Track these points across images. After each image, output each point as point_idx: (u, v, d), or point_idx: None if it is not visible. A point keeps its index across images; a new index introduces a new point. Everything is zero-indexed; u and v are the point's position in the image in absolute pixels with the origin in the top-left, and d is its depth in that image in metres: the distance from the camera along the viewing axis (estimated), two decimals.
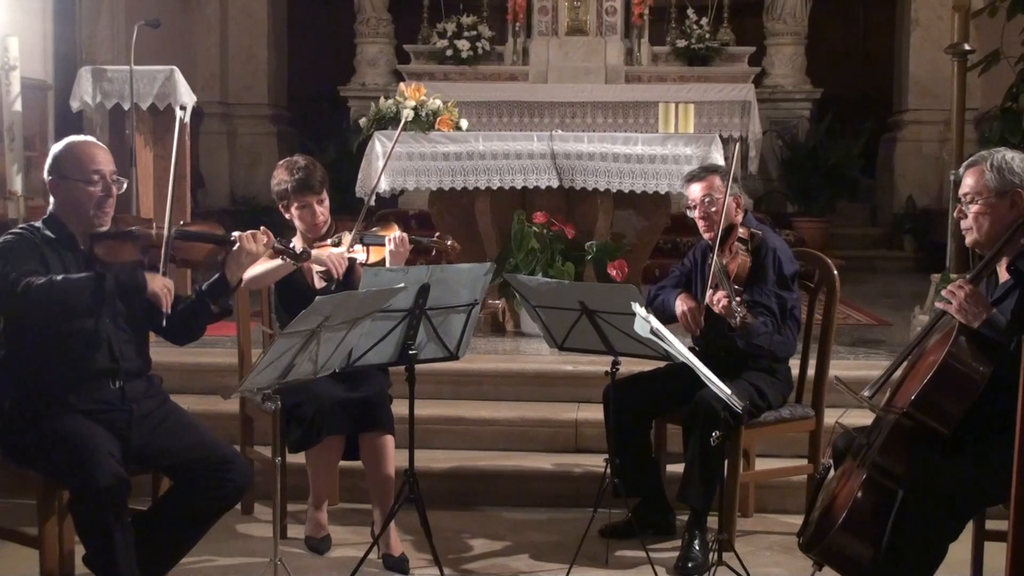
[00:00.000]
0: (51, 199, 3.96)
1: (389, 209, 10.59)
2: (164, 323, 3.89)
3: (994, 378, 3.58)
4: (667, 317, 4.77)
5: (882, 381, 3.89)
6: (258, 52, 13.38)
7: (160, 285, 3.84)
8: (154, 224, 4.01)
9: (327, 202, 4.90)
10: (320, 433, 4.53)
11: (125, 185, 4.03)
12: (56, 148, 3.98)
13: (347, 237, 4.82)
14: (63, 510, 3.91)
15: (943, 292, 3.74)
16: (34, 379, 3.84)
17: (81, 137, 4.06)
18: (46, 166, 3.95)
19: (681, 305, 4.77)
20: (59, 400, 3.81)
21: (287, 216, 4.92)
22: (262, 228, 4.10)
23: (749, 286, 4.66)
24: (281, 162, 4.95)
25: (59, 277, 3.67)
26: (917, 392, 3.61)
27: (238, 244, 4.00)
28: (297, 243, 4.82)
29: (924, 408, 3.61)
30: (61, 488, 3.85)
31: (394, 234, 4.81)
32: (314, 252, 4.58)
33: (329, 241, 4.83)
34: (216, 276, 4.05)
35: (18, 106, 6.71)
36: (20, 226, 3.99)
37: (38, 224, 3.93)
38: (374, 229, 4.91)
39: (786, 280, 4.74)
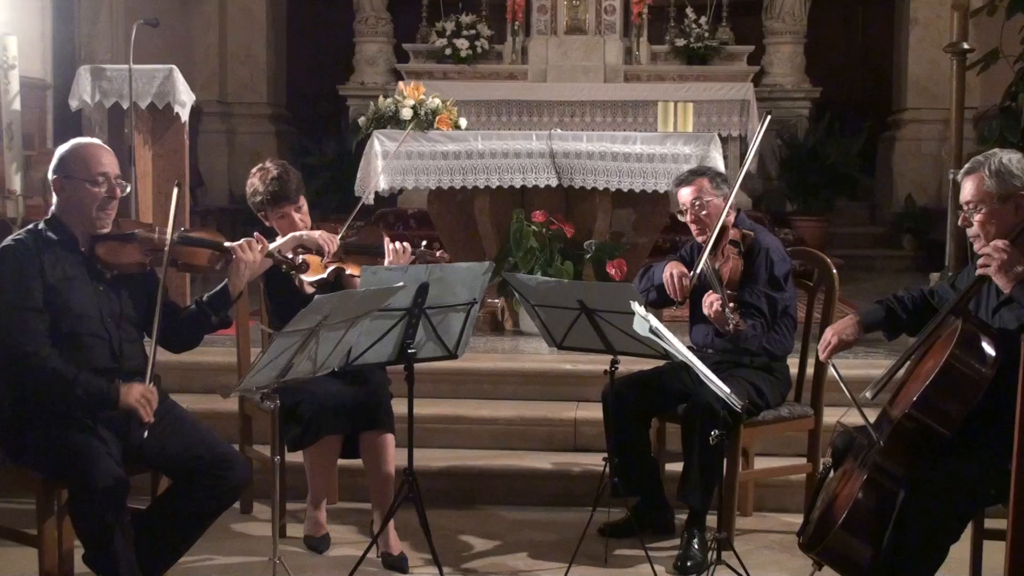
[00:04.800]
0: (54, 199, 3.96)
1: (388, 208, 10.60)
2: (144, 435, 3.80)
3: (995, 378, 3.56)
4: (654, 285, 4.80)
5: (884, 382, 3.87)
6: (257, 51, 13.38)
7: (137, 397, 3.75)
8: (156, 229, 4.02)
9: (305, 207, 4.85)
10: (318, 432, 4.53)
11: (128, 188, 4.05)
12: (62, 148, 3.99)
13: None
14: (62, 510, 3.90)
15: (982, 258, 3.66)
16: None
17: (87, 139, 4.08)
18: (51, 165, 3.96)
19: (670, 268, 4.76)
20: (59, 400, 3.80)
21: (267, 224, 4.86)
22: (256, 235, 4.14)
23: (741, 287, 4.67)
24: (253, 170, 4.87)
25: (44, 357, 3.69)
26: (919, 394, 3.59)
27: (235, 256, 4.04)
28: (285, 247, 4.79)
29: (926, 410, 3.59)
30: (60, 488, 3.85)
31: (389, 246, 4.76)
32: (304, 258, 4.55)
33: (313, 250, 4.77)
34: (218, 288, 4.07)
35: (17, 105, 6.72)
36: (20, 231, 3.98)
37: (41, 225, 3.94)
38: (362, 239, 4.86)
39: (778, 280, 4.73)
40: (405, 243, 4.78)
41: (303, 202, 4.84)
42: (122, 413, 3.77)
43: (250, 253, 4.06)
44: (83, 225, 3.92)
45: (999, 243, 3.63)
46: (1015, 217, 3.71)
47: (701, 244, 4.86)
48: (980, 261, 3.67)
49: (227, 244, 4.08)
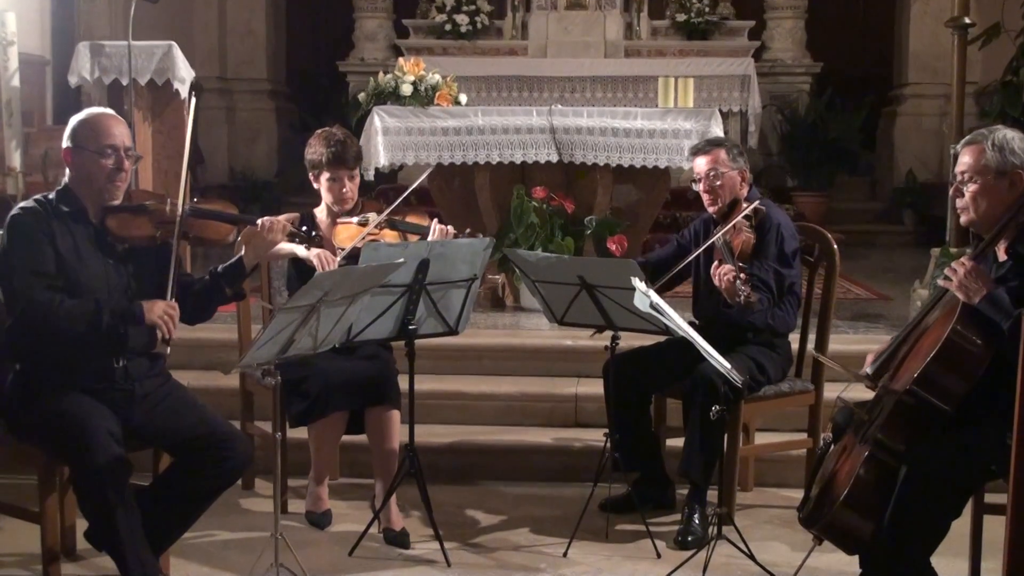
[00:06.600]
0: (67, 170, 3.95)
1: (388, 185, 10.58)
2: (167, 351, 3.90)
3: (996, 355, 3.56)
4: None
5: (883, 357, 3.87)
6: (256, 27, 13.34)
7: (160, 312, 3.80)
8: (168, 200, 3.98)
9: (358, 179, 4.90)
10: (326, 408, 4.54)
11: (139, 160, 4.02)
12: (75, 118, 3.97)
13: (373, 218, 4.77)
14: (64, 486, 3.91)
15: (946, 270, 3.69)
16: (38, 355, 3.84)
17: (101, 109, 4.06)
18: (64, 135, 3.94)
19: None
20: (61, 377, 3.81)
21: (316, 186, 4.90)
22: (283, 217, 4.11)
23: (750, 260, 4.66)
24: (319, 131, 4.93)
25: (60, 302, 3.70)
26: (920, 370, 3.58)
27: (260, 230, 4.00)
28: (322, 216, 4.85)
29: (927, 386, 3.58)
30: (62, 464, 3.86)
31: (435, 226, 4.78)
32: (313, 251, 4.57)
33: (355, 220, 4.78)
34: (233, 260, 4.04)
35: (16, 81, 6.69)
36: (34, 198, 3.96)
37: (51, 196, 3.92)
38: (406, 217, 4.86)
39: (786, 257, 4.72)
40: (448, 227, 4.78)
41: (358, 174, 4.89)
42: (142, 344, 3.85)
43: (275, 233, 4.01)
44: (93, 197, 3.90)
45: (962, 260, 3.63)
46: (1008, 195, 3.68)
47: (708, 219, 4.86)
48: (945, 272, 3.67)
49: (258, 221, 4.05)
